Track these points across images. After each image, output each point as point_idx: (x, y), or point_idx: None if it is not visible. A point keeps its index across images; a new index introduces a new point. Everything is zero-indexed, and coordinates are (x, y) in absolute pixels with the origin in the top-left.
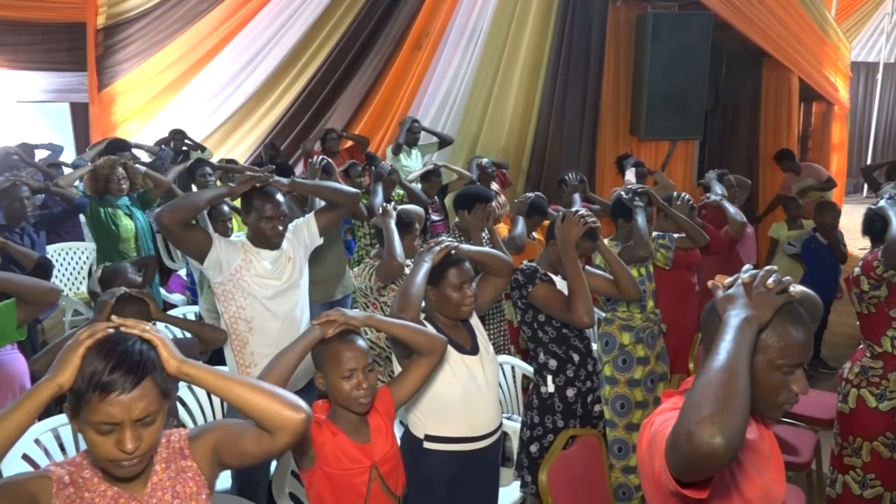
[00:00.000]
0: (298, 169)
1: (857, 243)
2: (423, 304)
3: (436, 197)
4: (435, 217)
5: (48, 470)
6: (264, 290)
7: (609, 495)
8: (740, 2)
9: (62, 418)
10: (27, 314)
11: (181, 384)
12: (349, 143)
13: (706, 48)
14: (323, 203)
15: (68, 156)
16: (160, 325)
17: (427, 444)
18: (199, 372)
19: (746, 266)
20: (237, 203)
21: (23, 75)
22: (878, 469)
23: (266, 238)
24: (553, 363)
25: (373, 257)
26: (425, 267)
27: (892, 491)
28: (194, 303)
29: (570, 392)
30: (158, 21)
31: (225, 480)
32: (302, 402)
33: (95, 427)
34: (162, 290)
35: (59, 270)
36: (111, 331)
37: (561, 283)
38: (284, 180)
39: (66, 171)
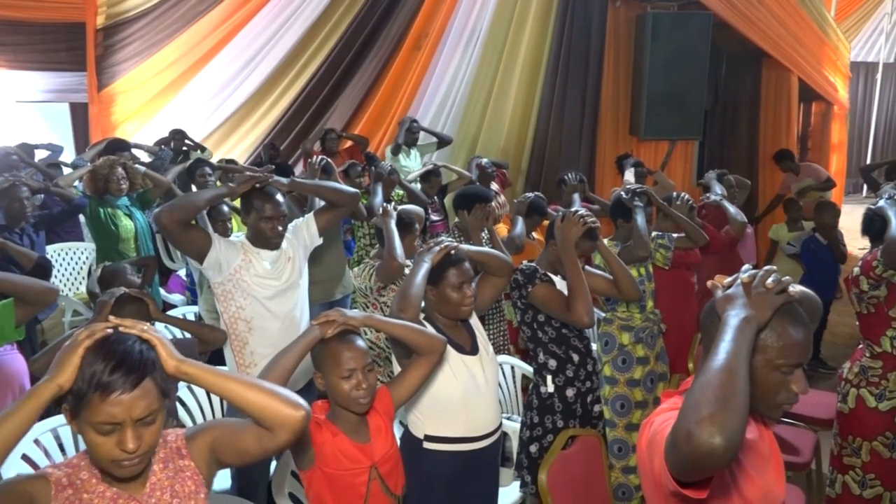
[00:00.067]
0: (298, 169)
1: (856, 243)
2: (423, 304)
3: (435, 197)
4: (434, 217)
5: (46, 472)
6: (264, 290)
7: (609, 495)
8: (740, 2)
9: (62, 419)
10: (25, 314)
11: (181, 385)
12: (349, 144)
13: (706, 48)
14: (322, 203)
15: (68, 156)
16: (159, 326)
17: (427, 444)
18: (197, 371)
19: (746, 266)
20: (237, 203)
21: (22, 75)
22: (878, 469)
23: (266, 238)
24: (553, 363)
25: (373, 257)
26: (425, 267)
27: (891, 491)
28: (194, 303)
29: (570, 392)
30: (158, 21)
31: (224, 481)
32: (301, 400)
33: (96, 427)
34: (161, 291)
35: (58, 271)
36: (110, 331)
37: (560, 284)
38: (284, 180)
39: (66, 171)
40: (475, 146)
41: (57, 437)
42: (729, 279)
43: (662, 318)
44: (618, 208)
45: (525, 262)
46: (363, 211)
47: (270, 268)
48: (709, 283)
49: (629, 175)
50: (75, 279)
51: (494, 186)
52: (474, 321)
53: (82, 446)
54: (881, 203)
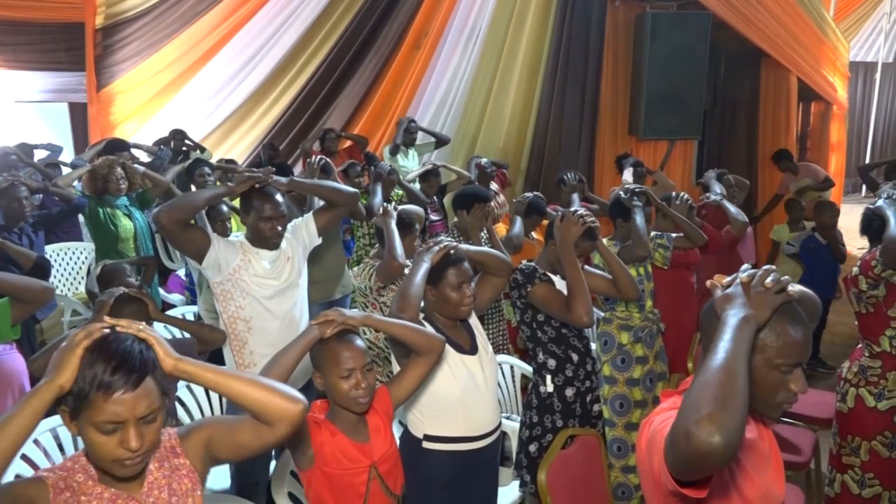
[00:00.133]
0: (297, 169)
1: (855, 243)
2: (423, 304)
3: (434, 197)
4: (434, 217)
5: (42, 476)
6: (263, 289)
7: (608, 495)
8: (739, 2)
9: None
10: (21, 313)
11: (180, 384)
12: (348, 143)
13: (705, 48)
14: (322, 203)
15: (67, 156)
16: (158, 326)
17: (426, 444)
18: (195, 369)
19: (745, 266)
20: (236, 203)
21: (21, 75)
22: (877, 468)
23: (265, 238)
24: (552, 363)
25: (372, 257)
26: (424, 267)
27: (890, 490)
28: (193, 303)
29: (569, 391)
30: (157, 21)
31: (224, 480)
32: (298, 393)
33: (99, 427)
34: (161, 291)
35: (57, 270)
36: (107, 331)
37: (560, 283)
38: (283, 180)
39: (65, 170)
40: (474, 146)
41: (56, 437)
42: (728, 279)
43: (661, 318)
44: (617, 208)
45: (524, 261)
46: (362, 211)
47: (270, 267)
48: (708, 282)
49: (627, 175)
50: (74, 279)
51: (494, 186)
52: (473, 321)
53: (81, 447)
54: (880, 203)
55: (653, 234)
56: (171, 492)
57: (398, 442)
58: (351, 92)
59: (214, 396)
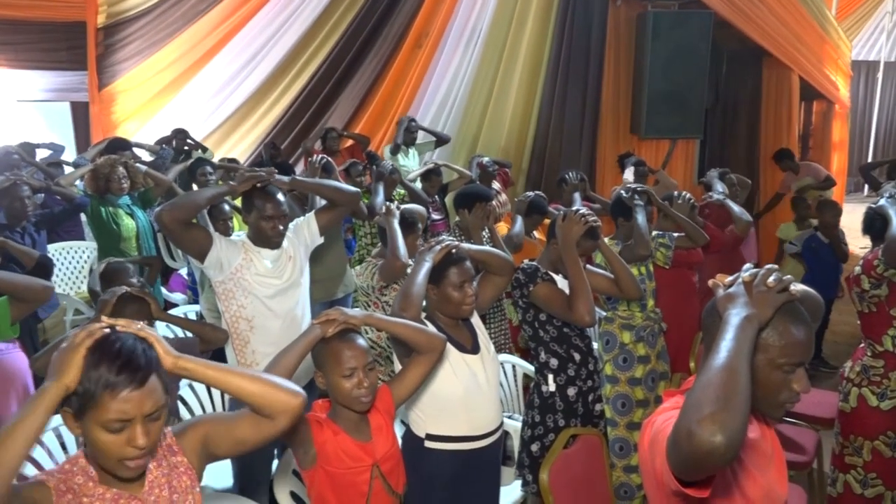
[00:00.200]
0: (299, 168)
1: (857, 242)
2: (425, 303)
3: (436, 196)
4: (435, 216)
5: (42, 479)
6: (265, 288)
7: (610, 494)
8: (740, 0)
9: None
10: (20, 311)
11: (182, 383)
12: (350, 142)
13: (706, 47)
14: (323, 202)
15: (69, 155)
16: (161, 325)
17: (428, 444)
18: (195, 366)
19: (747, 265)
20: (238, 202)
21: (23, 74)
22: (880, 468)
23: (267, 237)
24: (554, 362)
25: (375, 256)
26: (426, 266)
27: (893, 490)
28: (195, 302)
29: (572, 391)
30: (158, 20)
31: (226, 479)
32: (297, 386)
33: (106, 426)
34: (163, 290)
35: (59, 270)
36: (107, 331)
37: (562, 282)
38: (285, 179)
39: (67, 170)
40: (476, 145)
41: (59, 437)
42: (730, 278)
43: (663, 317)
44: (618, 207)
45: (526, 260)
46: (364, 210)
47: (271, 266)
48: (710, 282)
49: (629, 174)
50: (76, 278)
51: (496, 185)
52: (475, 320)
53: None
54: (882, 202)
55: (654, 233)
56: (172, 490)
57: (400, 441)
58: (352, 91)
59: (216, 395)
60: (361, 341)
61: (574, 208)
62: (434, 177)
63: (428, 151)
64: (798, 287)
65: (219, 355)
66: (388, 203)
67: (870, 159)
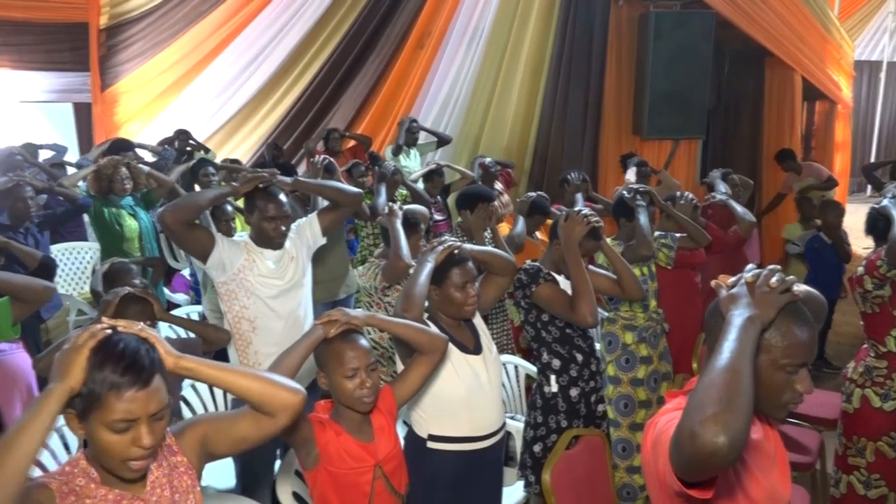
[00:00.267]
0: (301, 168)
1: (860, 242)
2: (427, 303)
3: (438, 196)
4: (438, 217)
5: (44, 481)
6: (267, 289)
7: (613, 495)
8: (743, 0)
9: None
10: (21, 312)
11: (185, 384)
12: (352, 143)
13: (708, 47)
14: (326, 203)
15: (72, 156)
16: (163, 326)
17: (430, 444)
18: (196, 365)
19: (750, 266)
20: (241, 203)
21: (26, 75)
22: (883, 469)
23: (269, 238)
24: (556, 363)
25: (377, 257)
26: (428, 267)
27: None
28: (198, 302)
29: (574, 392)
30: (161, 21)
31: (229, 479)
32: (296, 384)
33: (111, 426)
34: (165, 290)
35: (62, 270)
36: (109, 332)
37: (564, 283)
38: (287, 180)
39: (70, 170)
40: (478, 145)
41: (62, 437)
42: (733, 279)
43: (666, 318)
44: (620, 207)
45: (528, 261)
46: (366, 211)
47: (274, 267)
48: (713, 282)
49: (630, 174)
50: (79, 279)
51: (498, 186)
52: (478, 321)
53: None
54: (885, 202)
55: (657, 233)
56: (173, 489)
57: (402, 442)
58: (354, 92)
59: (219, 396)
60: (364, 342)
61: (576, 209)
62: (436, 177)
63: (430, 152)
64: (801, 287)
65: (221, 356)
66: (390, 204)
67: (872, 159)
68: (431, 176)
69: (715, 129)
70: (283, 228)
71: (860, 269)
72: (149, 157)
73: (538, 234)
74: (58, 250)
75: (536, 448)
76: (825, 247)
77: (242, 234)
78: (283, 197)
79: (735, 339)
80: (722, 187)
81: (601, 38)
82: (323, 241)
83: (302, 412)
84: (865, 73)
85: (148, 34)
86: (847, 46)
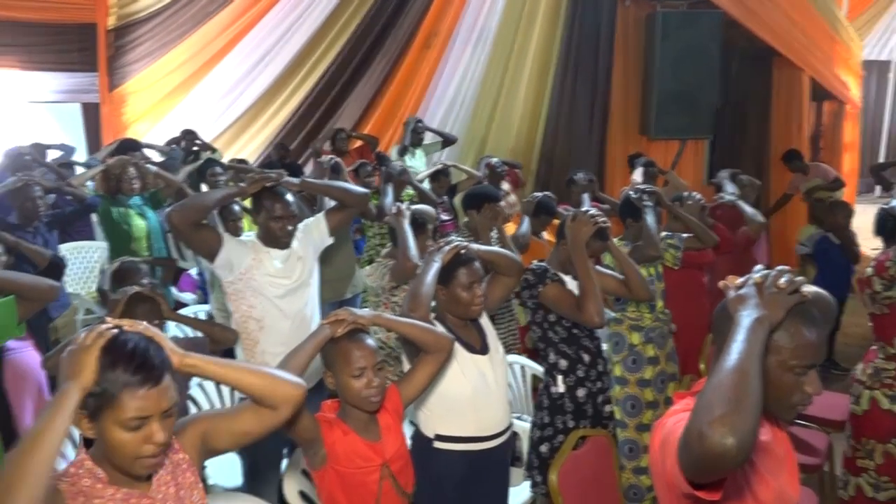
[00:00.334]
0: (308, 169)
1: (869, 243)
2: (434, 303)
3: (445, 196)
4: (444, 217)
5: (53, 483)
6: (275, 289)
7: (619, 496)
8: (750, 0)
9: None
10: (27, 311)
11: (192, 382)
12: (359, 143)
13: (716, 47)
14: (333, 203)
15: (80, 156)
16: (171, 325)
17: (437, 444)
18: (200, 362)
19: (758, 266)
20: (248, 203)
21: (34, 76)
22: (892, 471)
23: (276, 238)
24: (563, 363)
25: (385, 257)
26: (435, 266)
27: None
28: (205, 302)
29: (581, 392)
30: (168, 21)
31: (235, 478)
32: (297, 378)
33: (125, 424)
34: (173, 289)
35: (70, 270)
36: (116, 331)
37: (571, 283)
38: (294, 180)
39: (79, 170)
40: (484, 146)
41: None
42: (741, 279)
43: (673, 319)
44: (627, 208)
45: (535, 261)
46: (373, 211)
47: (281, 267)
48: (721, 283)
49: (637, 174)
50: (87, 278)
51: (505, 186)
52: (485, 321)
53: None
54: (894, 203)
55: (663, 234)
56: (178, 486)
57: (409, 441)
58: (361, 92)
59: (226, 394)
60: (370, 341)
61: (583, 209)
62: (442, 177)
63: (435, 152)
64: (810, 288)
65: (228, 355)
66: (398, 204)
67: (881, 160)
68: (438, 176)
69: (722, 130)
70: (290, 228)
71: (869, 270)
72: (157, 157)
73: (545, 235)
74: (66, 249)
75: (543, 448)
76: (833, 248)
77: (249, 233)
78: (289, 197)
79: (743, 339)
80: (731, 188)
81: (608, 38)
82: (330, 240)
83: (303, 405)
84: (874, 73)
85: (156, 35)
86: (855, 46)
